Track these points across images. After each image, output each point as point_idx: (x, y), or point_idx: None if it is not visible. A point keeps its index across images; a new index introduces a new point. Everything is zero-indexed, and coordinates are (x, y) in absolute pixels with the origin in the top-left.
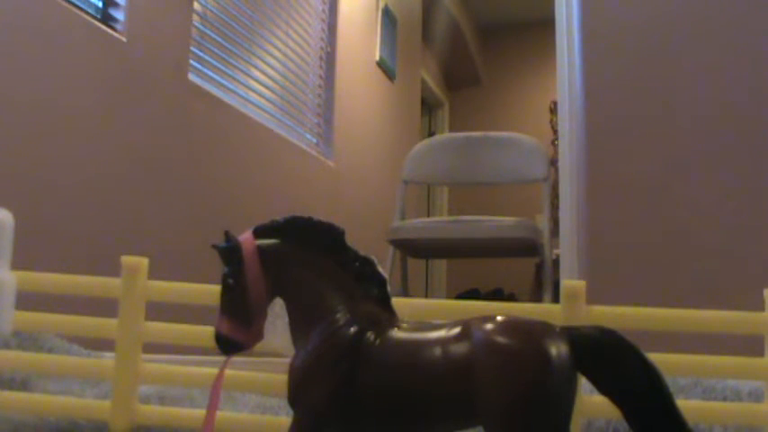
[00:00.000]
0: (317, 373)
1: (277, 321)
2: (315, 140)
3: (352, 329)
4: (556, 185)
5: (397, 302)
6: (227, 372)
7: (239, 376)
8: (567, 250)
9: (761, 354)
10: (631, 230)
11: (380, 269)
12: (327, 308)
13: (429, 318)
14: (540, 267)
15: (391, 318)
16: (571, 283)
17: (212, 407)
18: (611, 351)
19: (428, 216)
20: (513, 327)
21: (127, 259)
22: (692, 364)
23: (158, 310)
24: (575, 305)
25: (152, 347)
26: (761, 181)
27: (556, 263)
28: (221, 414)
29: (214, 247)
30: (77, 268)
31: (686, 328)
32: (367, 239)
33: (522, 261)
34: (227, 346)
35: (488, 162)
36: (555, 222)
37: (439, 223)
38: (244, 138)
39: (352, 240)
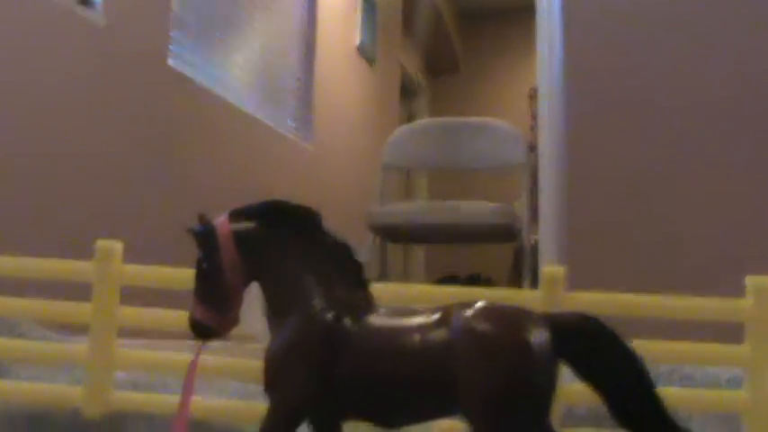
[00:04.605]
0: (293, 360)
1: (253, 307)
2: (294, 125)
3: (329, 316)
4: (535, 172)
5: (376, 288)
6: (205, 358)
7: (216, 362)
8: (547, 236)
9: (741, 341)
10: (611, 217)
11: (358, 254)
12: (304, 293)
13: (408, 303)
14: (518, 253)
15: (369, 303)
16: (550, 269)
17: (187, 393)
18: (592, 338)
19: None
20: (493, 313)
21: (101, 243)
22: (672, 350)
23: (134, 296)
24: (554, 291)
25: (128, 333)
26: (743, 167)
27: (534, 249)
28: (197, 400)
29: (189, 230)
30: (52, 254)
31: (666, 315)
32: (346, 224)
33: (501, 247)
34: (202, 331)
35: (467, 148)
36: (534, 208)
37: (418, 208)
38: (223, 122)
39: (330, 225)
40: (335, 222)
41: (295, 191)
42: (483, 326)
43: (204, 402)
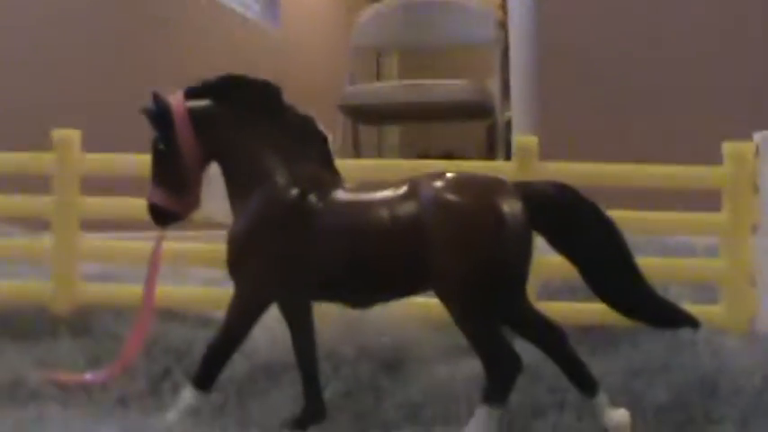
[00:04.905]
0: (257, 240)
1: (213, 188)
2: (259, 8)
3: (293, 192)
4: (506, 49)
5: (347, 163)
6: (172, 246)
7: (183, 249)
8: (519, 111)
9: (717, 209)
10: (585, 90)
11: (322, 127)
12: (266, 170)
13: (380, 178)
14: (491, 130)
15: (334, 178)
16: (524, 138)
17: (151, 281)
18: (567, 206)
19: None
20: (464, 183)
21: (58, 133)
22: (648, 220)
23: (95, 188)
24: (528, 162)
25: (92, 226)
26: (719, 36)
27: (507, 125)
28: (165, 289)
29: (142, 110)
30: (5, 148)
31: (642, 184)
32: (316, 110)
33: (474, 125)
34: (162, 216)
35: (437, 26)
36: (506, 85)
37: (389, 87)
38: (183, 6)
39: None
40: (305, 108)
41: (262, 77)
42: (454, 197)
43: (172, 290)
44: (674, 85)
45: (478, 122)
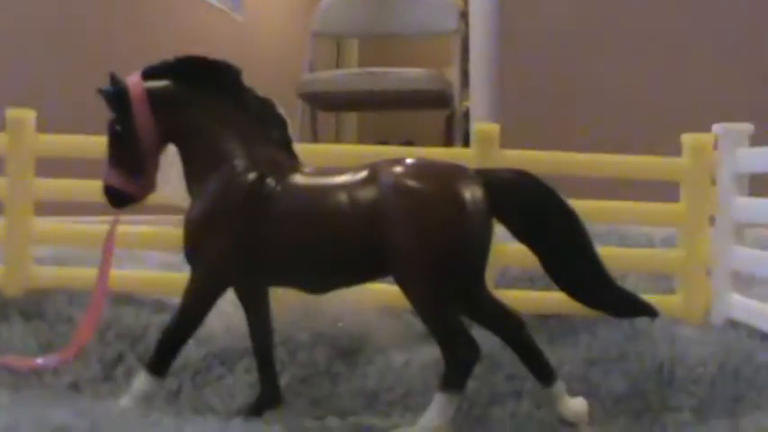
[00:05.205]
0: (214, 224)
1: (170, 170)
2: None
3: (251, 176)
4: (466, 38)
5: (306, 148)
6: (128, 229)
7: (139, 233)
8: (478, 100)
9: (676, 200)
10: (545, 80)
11: (281, 110)
12: (224, 153)
13: (338, 164)
14: (450, 120)
15: (293, 162)
16: (484, 125)
17: (105, 264)
18: (528, 194)
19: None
20: (423, 169)
21: (12, 113)
22: (607, 209)
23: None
24: (488, 149)
25: (45, 210)
26: (677, 28)
27: (466, 115)
28: (120, 272)
29: (99, 91)
30: None
31: (602, 173)
32: (280, 96)
33: (434, 114)
34: (118, 198)
35: (399, 14)
36: (465, 74)
37: (348, 75)
38: None
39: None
40: (266, 93)
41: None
42: (414, 182)
43: (128, 274)
44: (634, 74)
45: (438, 111)
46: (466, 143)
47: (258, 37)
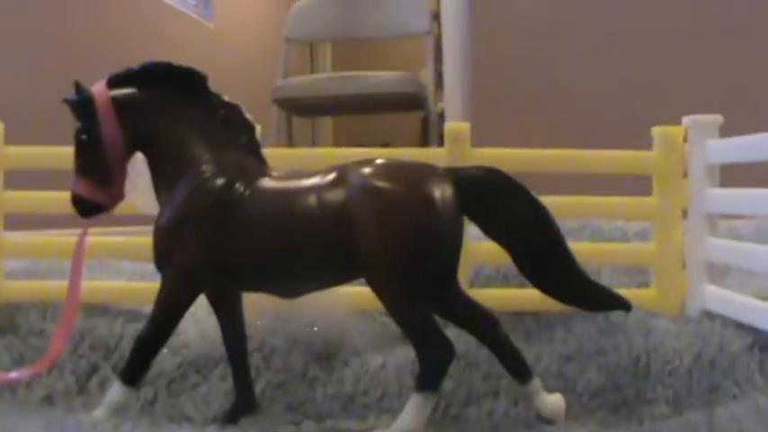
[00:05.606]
0: (183, 230)
1: (138, 179)
2: (193, 1)
3: (219, 181)
4: (439, 39)
5: (277, 152)
6: (97, 239)
7: (109, 242)
8: (452, 101)
9: (648, 194)
10: (518, 78)
11: (248, 115)
12: (192, 159)
13: (311, 167)
14: (425, 122)
15: (261, 167)
16: (455, 124)
17: (75, 276)
18: (499, 191)
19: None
20: (392, 169)
21: None
22: (580, 205)
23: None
24: (459, 148)
25: (16, 224)
26: (649, 23)
27: (441, 116)
28: (92, 283)
29: (64, 100)
30: None
31: (574, 169)
32: (253, 102)
33: (409, 117)
34: (86, 208)
35: (371, 18)
36: (439, 76)
37: (322, 80)
38: None
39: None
40: (240, 100)
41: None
42: (382, 183)
43: (99, 285)
44: (606, 72)
45: (413, 113)
46: (442, 144)
47: (231, 43)
